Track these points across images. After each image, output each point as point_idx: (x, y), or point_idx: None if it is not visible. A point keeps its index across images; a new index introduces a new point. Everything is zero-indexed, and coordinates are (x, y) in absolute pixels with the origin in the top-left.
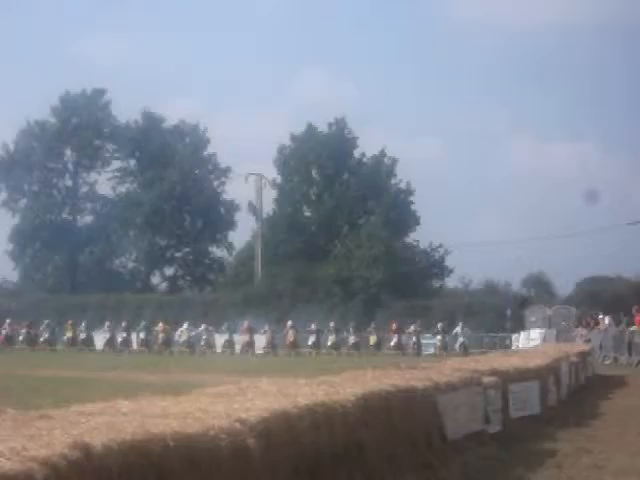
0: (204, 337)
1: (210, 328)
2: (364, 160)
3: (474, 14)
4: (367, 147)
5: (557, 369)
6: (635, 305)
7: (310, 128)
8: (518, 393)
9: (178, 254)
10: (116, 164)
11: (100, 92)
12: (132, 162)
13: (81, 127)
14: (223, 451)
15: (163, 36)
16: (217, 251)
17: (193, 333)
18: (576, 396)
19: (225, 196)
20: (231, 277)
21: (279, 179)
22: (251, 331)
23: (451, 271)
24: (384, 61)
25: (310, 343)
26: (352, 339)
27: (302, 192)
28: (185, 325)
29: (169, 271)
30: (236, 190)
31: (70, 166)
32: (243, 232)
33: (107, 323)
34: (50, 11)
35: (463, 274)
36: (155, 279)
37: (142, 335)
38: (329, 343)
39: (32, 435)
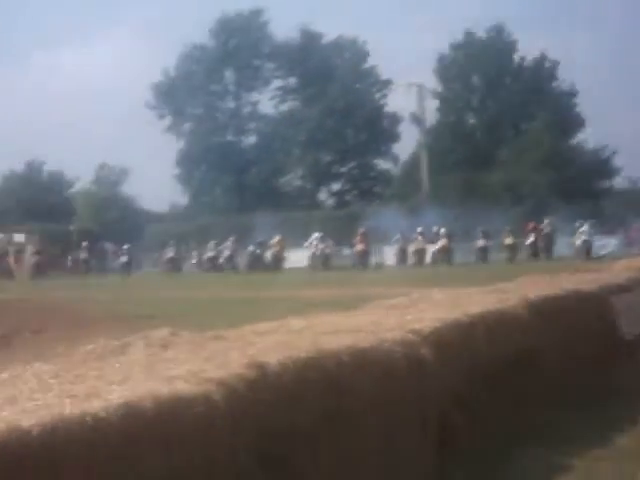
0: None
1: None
2: (525, 64)
3: None
4: (527, 51)
5: None
6: None
7: (469, 35)
8: None
9: (343, 169)
10: (277, 83)
11: (257, 12)
12: (293, 80)
13: (240, 48)
14: (397, 363)
15: None
16: (382, 164)
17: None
18: None
19: (387, 108)
20: (398, 189)
21: (440, 88)
22: (424, 241)
23: (619, 171)
24: None
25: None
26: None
27: (464, 100)
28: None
29: (335, 187)
30: (398, 102)
31: (231, 87)
32: (407, 143)
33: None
34: None
35: (631, 174)
36: (322, 195)
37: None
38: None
39: (208, 357)
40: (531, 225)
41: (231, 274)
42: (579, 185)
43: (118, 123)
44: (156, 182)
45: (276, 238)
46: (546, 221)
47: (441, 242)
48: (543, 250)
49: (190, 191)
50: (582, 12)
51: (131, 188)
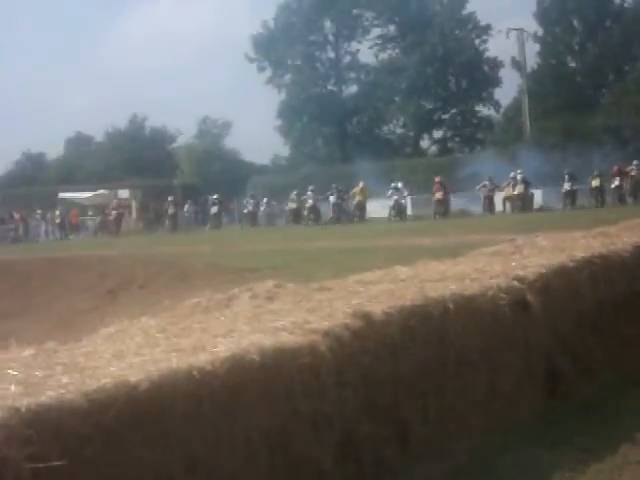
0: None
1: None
2: (625, 5)
3: None
4: None
5: None
6: None
7: None
8: None
9: (445, 116)
10: (376, 31)
11: None
12: (392, 28)
13: None
14: (503, 309)
15: None
16: (484, 110)
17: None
18: None
19: (488, 54)
20: (500, 135)
21: (540, 32)
22: (526, 186)
23: None
24: None
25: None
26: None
27: (565, 43)
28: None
29: (438, 134)
30: (498, 47)
31: (331, 37)
32: (508, 89)
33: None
34: None
35: None
36: (424, 143)
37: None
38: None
39: (313, 307)
40: (616, 168)
41: (314, 226)
42: None
43: (219, 76)
44: (258, 134)
45: (359, 185)
46: (635, 162)
47: (518, 188)
48: (630, 194)
49: (292, 142)
50: None
51: (233, 141)
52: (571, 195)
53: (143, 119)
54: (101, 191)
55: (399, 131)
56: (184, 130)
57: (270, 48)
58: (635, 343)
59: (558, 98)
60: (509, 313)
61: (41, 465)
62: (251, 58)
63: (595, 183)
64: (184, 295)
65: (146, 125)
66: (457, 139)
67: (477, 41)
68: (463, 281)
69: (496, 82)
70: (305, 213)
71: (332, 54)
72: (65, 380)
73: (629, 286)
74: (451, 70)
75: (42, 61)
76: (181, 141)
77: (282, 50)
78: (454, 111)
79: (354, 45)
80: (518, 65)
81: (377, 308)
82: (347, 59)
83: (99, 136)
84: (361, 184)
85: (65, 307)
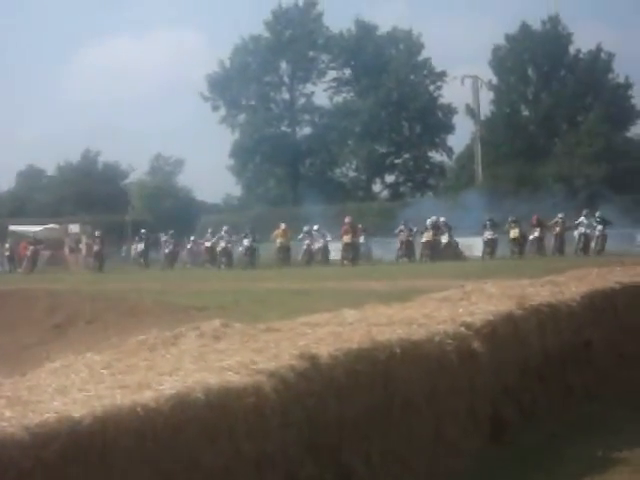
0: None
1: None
2: (580, 56)
3: None
4: (582, 43)
5: None
6: None
7: (524, 27)
8: None
9: (398, 160)
10: (331, 74)
11: (312, 4)
12: (347, 71)
13: (295, 39)
14: (449, 355)
15: None
16: (437, 156)
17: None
18: None
19: (442, 100)
20: (452, 181)
21: (495, 80)
22: (435, 233)
23: None
24: None
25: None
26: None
27: (519, 92)
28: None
29: (390, 178)
30: (453, 93)
31: (286, 79)
32: (462, 135)
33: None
34: None
35: None
36: (376, 187)
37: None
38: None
39: (260, 348)
40: (535, 218)
41: (225, 270)
42: (634, 178)
43: (173, 113)
44: (210, 173)
45: (281, 227)
46: (559, 215)
47: (426, 235)
48: (556, 250)
49: (244, 182)
50: (638, 3)
51: (185, 179)
52: (491, 244)
53: (96, 154)
54: (52, 225)
55: (352, 174)
56: (137, 166)
57: (225, 87)
58: (579, 392)
59: (511, 146)
60: (455, 359)
61: None
62: (206, 97)
63: (513, 234)
64: (132, 332)
65: (99, 160)
66: (409, 184)
67: (432, 87)
68: (410, 326)
69: (450, 128)
70: (218, 255)
71: (287, 95)
72: (8, 414)
73: (576, 335)
74: (405, 115)
75: None
76: (133, 177)
77: (237, 90)
78: (407, 156)
79: (309, 87)
80: (472, 112)
81: (324, 350)
82: (302, 101)
83: (51, 169)
84: (282, 226)
85: (11, 341)
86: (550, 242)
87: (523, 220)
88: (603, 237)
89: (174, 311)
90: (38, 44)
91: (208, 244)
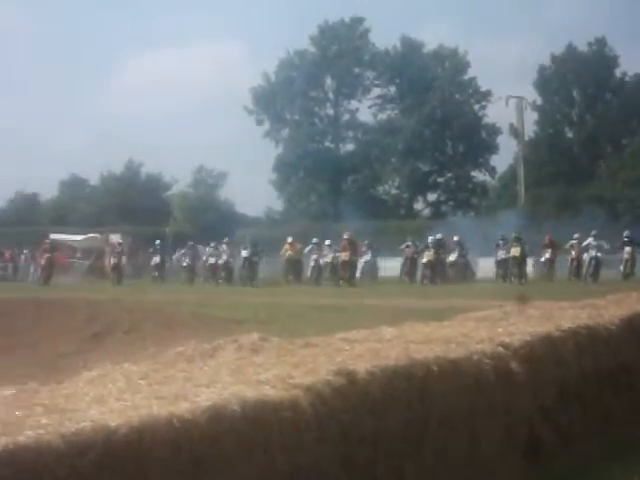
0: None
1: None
2: (626, 79)
3: None
4: (629, 66)
5: None
6: None
7: (570, 48)
8: None
9: (440, 179)
10: (376, 91)
11: (358, 20)
12: (392, 88)
13: (341, 55)
14: (486, 375)
15: None
16: (479, 175)
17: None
18: None
19: (486, 120)
20: (494, 201)
21: (540, 101)
22: (436, 252)
23: None
24: None
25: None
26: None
27: (563, 113)
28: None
29: (432, 197)
30: (497, 113)
31: (331, 94)
32: (505, 156)
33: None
34: None
35: None
36: (418, 205)
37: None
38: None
39: (297, 363)
40: (547, 238)
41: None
42: None
43: (217, 126)
44: (252, 187)
45: (288, 240)
46: (575, 236)
47: (427, 255)
48: (571, 271)
49: (286, 197)
50: None
51: (228, 192)
52: (504, 265)
53: (139, 165)
54: (93, 235)
55: (393, 192)
56: (179, 178)
57: (270, 102)
58: (617, 416)
59: (554, 167)
60: (492, 378)
61: None
62: (250, 110)
63: (514, 252)
64: (169, 343)
65: (142, 171)
66: (451, 203)
67: (476, 106)
68: (448, 344)
69: (493, 148)
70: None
71: (331, 111)
72: (44, 421)
73: (615, 358)
74: (449, 134)
75: (41, 102)
76: (176, 189)
77: (281, 104)
78: (449, 175)
79: (354, 103)
80: (516, 132)
81: (361, 366)
82: (346, 117)
83: (94, 179)
84: (290, 239)
85: (49, 349)
86: (562, 265)
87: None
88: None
89: (211, 323)
90: (83, 55)
91: (212, 260)
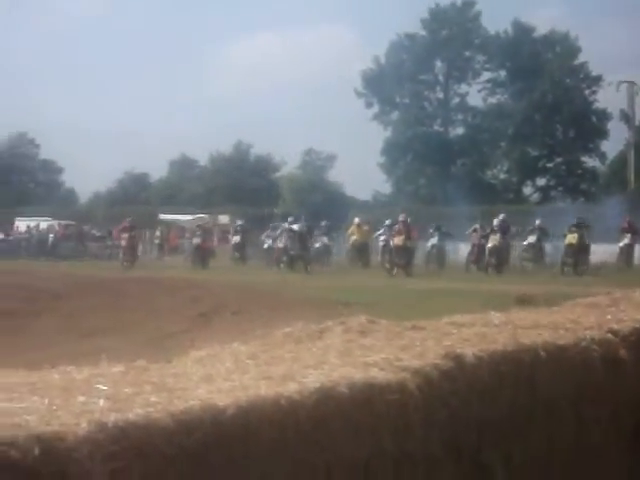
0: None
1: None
2: None
3: None
4: None
5: None
6: None
7: None
8: None
9: (550, 164)
10: (486, 75)
11: (470, 4)
12: (502, 73)
13: (451, 39)
14: (594, 362)
15: None
16: (589, 161)
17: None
18: None
19: (596, 105)
20: (603, 187)
21: None
22: (502, 237)
23: None
24: None
25: None
26: None
27: None
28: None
29: (541, 182)
30: (607, 99)
31: (441, 78)
32: (615, 141)
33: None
34: None
35: None
36: (527, 190)
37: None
38: None
39: (405, 345)
40: (627, 222)
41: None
42: None
43: (326, 109)
44: (361, 170)
45: (354, 222)
46: None
47: (493, 239)
48: None
49: (394, 180)
50: None
51: (336, 174)
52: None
53: (248, 146)
54: (201, 215)
55: (502, 176)
56: (288, 160)
57: (379, 84)
58: None
59: None
60: (600, 365)
61: None
62: (359, 93)
63: (570, 239)
64: (277, 324)
65: (251, 152)
66: (560, 188)
67: (587, 91)
68: (557, 330)
69: (603, 134)
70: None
71: (441, 94)
72: (153, 399)
73: None
74: (558, 118)
75: (153, 86)
76: (285, 171)
77: (391, 87)
78: (559, 160)
79: (463, 87)
80: (626, 118)
81: (468, 350)
82: (455, 100)
83: (203, 160)
84: (357, 220)
85: (156, 328)
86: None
87: None
88: None
89: (319, 305)
90: (194, 39)
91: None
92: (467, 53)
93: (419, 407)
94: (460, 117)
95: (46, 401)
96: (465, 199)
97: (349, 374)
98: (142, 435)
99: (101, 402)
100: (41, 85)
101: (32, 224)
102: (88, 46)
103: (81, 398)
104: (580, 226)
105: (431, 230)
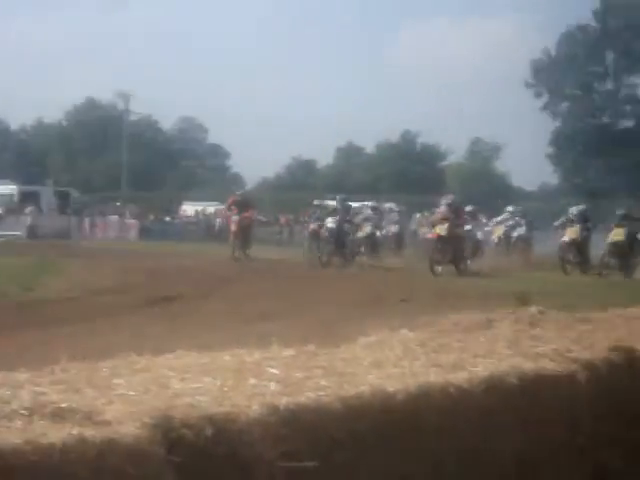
0: None
1: None
2: None
3: None
4: None
5: None
6: None
7: None
8: None
9: None
10: None
11: None
12: None
13: (623, 30)
14: None
15: None
16: None
17: None
18: None
19: None
20: None
21: None
22: (583, 228)
23: None
24: None
25: None
26: None
27: None
28: None
29: None
30: None
31: (611, 69)
32: None
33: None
34: None
35: None
36: None
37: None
38: None
39: (575, 337)
40: None
41: None
42: None
43: (493, 99)
44: (527, 160)
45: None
46: None
47: (570, 232)
48: None
49: (562, 172)
50: None
51: (502, 164)
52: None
53: (415, 135)
54: (368, 203)
55: None
56: (455, 149)
57: (549, 75)
58: None
59: None
60: None
61: (294, 464)
62: (528, 83)
63: (616, 236)
64: (445, 312)
65: (417, 141)
66: None
67: None
68: None
69: None
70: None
71: (611, 86)
72: (323, 383)
73: None
74: None
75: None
76: (451, 160)
77: (561, 78)
78: None
79: (633, 79)
80: None
81: (638, 344)
82: (625, 92)
83: (369, 148)
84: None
85: (325, 313)
86: None
87: None
88: None
89: (488, 295)
90: (368, 24)
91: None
92: (638, 44)
93: (588, 401)
94: (629, 109)
95: (218, 382)
96: (634, 192)
97: (519, 364)
98: (313, 419)
99: (272, 385)
100: (216, 72)
101: (199, 208)
102: (261, 34)
103: (252, 380)
104: (628, 218)
105: (517, 218)
